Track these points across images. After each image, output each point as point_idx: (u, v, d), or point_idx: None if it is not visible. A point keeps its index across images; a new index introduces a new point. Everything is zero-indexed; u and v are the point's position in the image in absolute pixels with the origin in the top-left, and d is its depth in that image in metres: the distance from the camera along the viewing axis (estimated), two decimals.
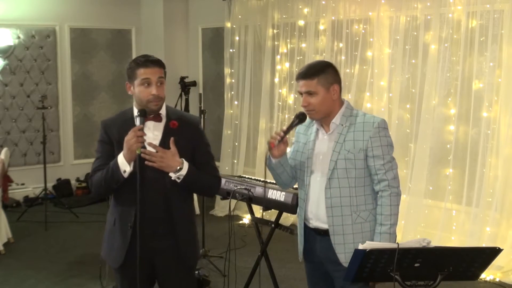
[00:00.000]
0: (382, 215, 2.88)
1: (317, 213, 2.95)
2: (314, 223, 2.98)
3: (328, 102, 2.88)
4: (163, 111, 2.99)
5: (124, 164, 2.85)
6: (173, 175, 2.89)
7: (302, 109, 2.95)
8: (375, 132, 2.84)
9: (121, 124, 2.98)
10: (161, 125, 2.98)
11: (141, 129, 2.82)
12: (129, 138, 2.79)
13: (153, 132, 2.95)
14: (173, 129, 2.95)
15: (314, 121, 3.00)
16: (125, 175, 2.85)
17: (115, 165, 2.88)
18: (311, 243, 3.05)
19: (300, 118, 2.94)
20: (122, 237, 2.96)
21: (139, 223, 2.83)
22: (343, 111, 2.93)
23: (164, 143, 2.93)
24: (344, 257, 2.89)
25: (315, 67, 2.93)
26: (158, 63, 2.93)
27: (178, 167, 2.88)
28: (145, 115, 2.90)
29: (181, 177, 2.89)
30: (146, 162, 2.83)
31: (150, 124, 2.96)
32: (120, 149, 2.90)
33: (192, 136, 2.99)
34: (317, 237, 2.97)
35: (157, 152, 2.85)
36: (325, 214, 2.92)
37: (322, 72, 2.87)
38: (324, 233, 2.94)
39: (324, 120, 2.94)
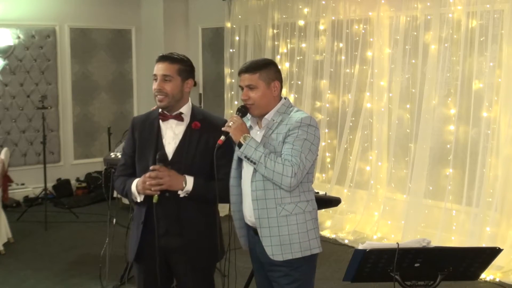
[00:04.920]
0: (270, 158, 2.80)
1: (249, 209, 2.96)
2: (249, 218, 3.00)
3: (268, 98, 2.94)
4: (186, 111, 3.03)
5: (135, 194, 2.98)
6: (181, 193, 2.94)
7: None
8: (295, 126, 2.86)
9: (146, 122, 3.07)
10: (183, 124, 3.02)
11: (159, 169, 2.88)
12: (152, 175, 2.88)
13: (174, 131, 3.01)
14: (195, 130, 3.00)
15: (249, 118, 3.04)
16: (137, 200, 2.98)
17: (129, 188, 3.00)
18: (251, 244, 3.08)
19: (242, 111, 2.98)
20: (136, 233, 3.05)
21: (151, 222, 2.95)
22: (278, 108, 2.98)
23: (184, 143, 2.99)
24: (271, 250, 2.89)
25: (258, 62, 3.01)
26: (168, 59, 2.98)
27: (184, 183, 2.93)
28: (163, 113, 3.00)
29: (188, 193, 2.94)
30: (154, 188, 2.89)
31: (172, 122, 3.01)
32: (141, 146, 3.02)
33: (214, 138, 2.98)
34: (256, 238, 2.99)
35: (160, 171, 2.89)
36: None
37: (264, 68, 2.95)
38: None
39: (260, 117, 2.99)
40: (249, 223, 3.02)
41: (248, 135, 2.87)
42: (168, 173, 2.90)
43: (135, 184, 2.97)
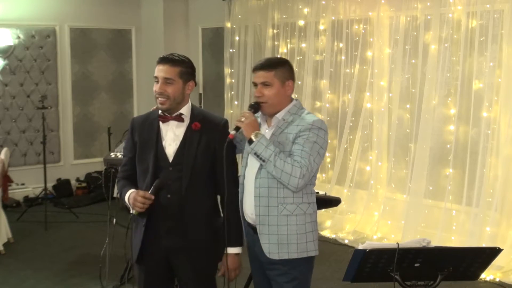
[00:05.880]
0: (280, 158, 2.81)
1: (251, 206, 2.97)
2: (249, 215, 3.00)
3: (281, 96, 2.96)
4: (186, 112, 3.01)
5: (128, 205, 2.99)
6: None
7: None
8: (306, 128, 2.87)
9: (146, 123, 3.06)
10: (183, 125, 3.00)
11: (151, 199, 2.88)
12: (138, 200, 2.88)
13: (174, 132, 3.00)
14: (195, 131, 2.98)
15: (258, 116, 3.04)
16: (131, 212, 2.98)
17: (123, 198, 3.02)
18: (251, 243, 3.09)
19: (254, 108, 2.97)
20: (138, 234, 3.03)
21: (154, 222, 2.96)
22: (290, 108, 2.98)
23: (184, 144, 2.97)
24: (268, 247, 2.90)
25: (273, 60, 3.04)
26: (169, 61, 2.94)
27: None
28: (163, 114, 2.99)
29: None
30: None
31: (172, 123, 3.00)
32: (142, 148, 3.01)
33: (213, 138, 3.00)
34: (255, 236, 2.99)
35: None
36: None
37: (279, 66, 2.96)
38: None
39: (271, 116, 2.99)
40: (249, 220, 3.02)
41: (260, 132, 2.87)
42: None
43: (127, 196, 2.98)
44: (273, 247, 2.89)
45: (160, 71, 2.93)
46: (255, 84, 2.96)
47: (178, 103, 2.97)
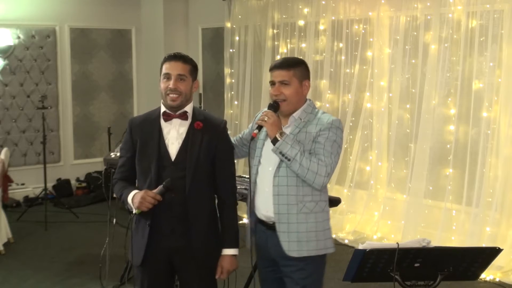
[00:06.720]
0: (306, 157, 2.84)
1: (266, 203, 2.97)
2: (264, 213, 3.01)
3: (299, 96, 2.98)
4: (190, 110, 3.02)
5: (131, 205, 2.96)
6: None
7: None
8: (326, 127, 2.90)
9: (146, 123, 3.05)
10: (186, 124, 3.01)
11: (158, 200, 2.88)
12: (147, 200, 2.87)
13: (177, 131, 3.00)
14: (197, 130, 2.99)
15: None
16: (134, 212, 2.96)
17: (125, 198, 3.00)
18: (262, 239, 3.08)
19: (274, 107, 2.98)
20: (142, 236, 3.00)
21: (157, 222, 2.94)
22: (305, 107, 3.02)
23: (187, 143, 2.97)
24: (288, 245, 2.91)
25: (291, 59, 3.09)
26: (181, 59, 2.96)
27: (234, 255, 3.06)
28: (167, 113, 2.99)
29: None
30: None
31: (176, 121, 3.00)
32: (143, 147, 2.99)
33: (215, 138, 3.01)
34: (268, 233, 3.00)
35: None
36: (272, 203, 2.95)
37: (298, 66, 2.99)
38: (274, 228, 2.97)
39: (287, 115, 3.00)
40: (262, 217, 3.03)
41: (284, 131, 2.90)
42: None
43: (131, 197, 2.95)
44: (292, 245, 2.90)
45: (173, 68, 2.94)
46: (273, 83, 2.98)
47: (187, 100, 3.00)
